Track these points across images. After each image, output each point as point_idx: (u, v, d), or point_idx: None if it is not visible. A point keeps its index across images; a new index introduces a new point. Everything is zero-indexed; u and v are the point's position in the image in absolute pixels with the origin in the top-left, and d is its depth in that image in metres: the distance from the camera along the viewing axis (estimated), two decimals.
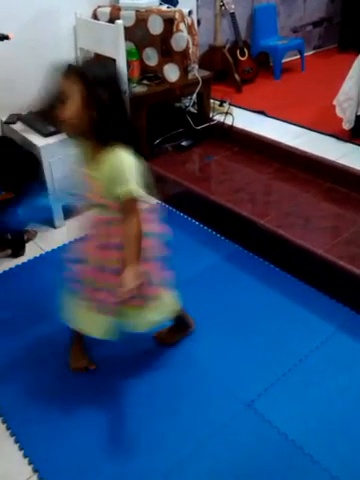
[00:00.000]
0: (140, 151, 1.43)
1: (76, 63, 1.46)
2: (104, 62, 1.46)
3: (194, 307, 2.14)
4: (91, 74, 1.37)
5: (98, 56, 2.81)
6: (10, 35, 2.48)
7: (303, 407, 1.71)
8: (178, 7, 2.87)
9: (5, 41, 2.54)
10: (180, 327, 1.95)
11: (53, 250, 2.57)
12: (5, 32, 2.47)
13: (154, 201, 2.91)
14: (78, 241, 1.66)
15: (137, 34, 2.86)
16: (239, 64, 3.84)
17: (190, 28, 2.82)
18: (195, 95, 3.14)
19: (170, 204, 2.89)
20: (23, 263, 2.48)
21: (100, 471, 1.55)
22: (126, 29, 2.61)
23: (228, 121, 3.17)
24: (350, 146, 2.85)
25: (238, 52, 3.85)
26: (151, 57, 2.93)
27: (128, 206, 1.41)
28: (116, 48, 2.60)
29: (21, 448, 1.63)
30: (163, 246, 1.60)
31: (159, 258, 1.60)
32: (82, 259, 1.59)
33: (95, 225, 1.55)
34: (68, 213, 2.76)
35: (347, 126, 2.88)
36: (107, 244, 1.51)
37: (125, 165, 1.37)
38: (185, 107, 3.25)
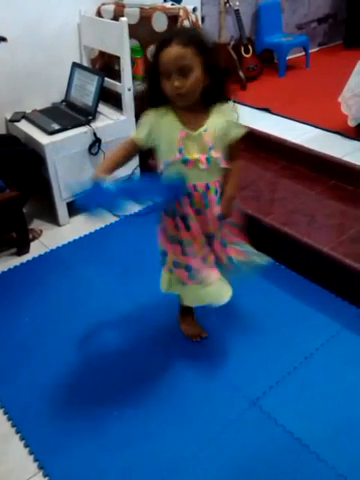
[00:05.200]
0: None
1: (180, 33, 1.48)
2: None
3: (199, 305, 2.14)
4: (207, 44, 1.41)
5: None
6: (6, 38, 2.49)
7: (309, 405, 1.70)
8: (182, 4, 2.86)
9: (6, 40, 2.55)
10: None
11: (58, 248, 2.57)
12: (3, 34, 2.47)
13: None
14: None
15: (141, 31, 2.85)
16: (243, 61, 3.82)
17: (194, 25, 2.80)
18: None
19: None
20: (28, 261, 2.48)
21: (105, 468, 1.55)
22: (130, 26, 2.60)
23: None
24: (355, 143, 2.83)
25: (242, 49, 3.83)
26: None
27: (239, 145, 1.55)
28: (120, 46, 2.59)
29: (26, 445, 1.64)
30: None
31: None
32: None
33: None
34: (72, 211, 2.77)
35: (353, 123, 2.86)
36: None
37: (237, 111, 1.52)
38: None
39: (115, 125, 2.73)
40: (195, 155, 1.49)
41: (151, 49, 2.91)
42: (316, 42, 4.65)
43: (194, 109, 1.46)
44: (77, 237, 2.64)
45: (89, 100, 2.72)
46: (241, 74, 3.72)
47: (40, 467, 1.57)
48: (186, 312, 1.97)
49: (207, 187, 1.55)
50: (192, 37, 1.39)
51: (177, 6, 2.81)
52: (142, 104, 2.86)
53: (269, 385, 1.77)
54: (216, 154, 1.50)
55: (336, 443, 1.58)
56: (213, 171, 1.54)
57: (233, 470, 1.53)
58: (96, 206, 1.42)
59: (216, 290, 1.71)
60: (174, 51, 1.36)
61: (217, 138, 1.49)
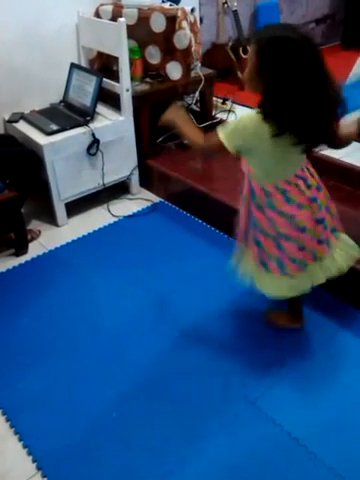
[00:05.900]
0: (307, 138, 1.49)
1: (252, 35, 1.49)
2: (296, 31, 1.36)
3: (197, 305, 2.14)
4: (266, 45, 1.35)
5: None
6: None
7: (306, 405, 1.71)
8: (180, 5, 2.85)
9: (4, 39, 2.55)
10: (292, 314, 2.00)
11: (56, 248, 2.57)
12: (1, 35, 2.47)
13: (157, 199, 2.92)
14: None
15: (139, 32, 2.85)
16: (242, 62, 3.82)
17: (193, 26, 2.80)
18: (198, 93, 3.14)
19: (173, 202, 2.89)
20: (26, 261, 2.48)
21: (103, 469, 1.56)
22: (128, 27, 2.61)
23: (231, 119, 3.16)
24: (354, 144, 2.81)
25: (241, 50, 3.83)
26: (154, 55, 2.92)
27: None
28: (119, 46, 2.59)
29: (25, 446, 1.64)
30: (294, 229, 1.67)
31: (289, 238, 1.67)
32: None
33: None
34: (71, 211, 2.77)
35: None
36: None
37: (239, 119, 1.50)
38: (188, 105, 3.24)
39: (113, 126, 2.74)
40: None
41: (149, 49, 2.92)
42: None
43: None
44: (76, 237, 2.64)
45: (87, 101, 2.72)
46: (239, 75, 3.72)
47: (38, 468, 1.57)
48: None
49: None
50: (265, 37, 1.38)
51: (175, 7, 2.81)
52: (140, 104, 2.87)
53: (267, 385, 1.78)
54: None
55: (334, 443, 1.58)
56: None
57: (231, 470, 1.53)
58: None
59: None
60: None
61: None
